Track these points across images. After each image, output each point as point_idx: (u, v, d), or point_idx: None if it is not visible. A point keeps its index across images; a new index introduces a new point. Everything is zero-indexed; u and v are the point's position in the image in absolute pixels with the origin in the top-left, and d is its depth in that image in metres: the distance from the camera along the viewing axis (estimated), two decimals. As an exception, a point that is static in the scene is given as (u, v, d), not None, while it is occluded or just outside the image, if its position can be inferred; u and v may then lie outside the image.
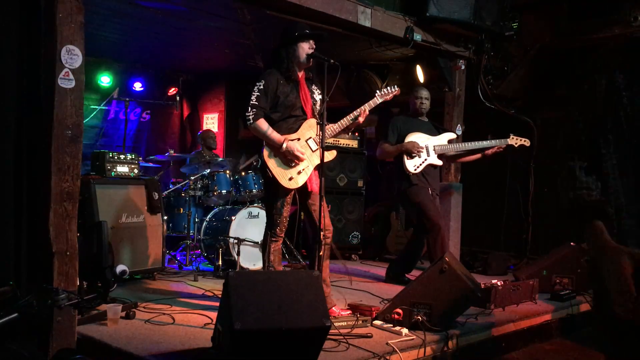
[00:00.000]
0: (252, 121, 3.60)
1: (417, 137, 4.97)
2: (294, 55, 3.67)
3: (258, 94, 3.61)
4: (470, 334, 3.60)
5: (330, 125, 3.78)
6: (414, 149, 4.89)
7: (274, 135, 3.63)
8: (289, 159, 3.67)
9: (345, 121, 3.83)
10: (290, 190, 3.69)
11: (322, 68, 3.53)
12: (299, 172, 3.69)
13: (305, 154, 3.69)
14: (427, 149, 4.97)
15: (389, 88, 4.03)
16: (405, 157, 4.94)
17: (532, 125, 6.24)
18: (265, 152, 3.67)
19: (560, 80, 6.46)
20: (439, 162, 5.04)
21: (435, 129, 5.15)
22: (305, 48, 3.67)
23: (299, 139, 3.71)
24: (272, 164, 3.65)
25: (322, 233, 3.51)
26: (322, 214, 3.53)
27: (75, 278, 3.11)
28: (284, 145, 3.62)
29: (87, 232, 3.81)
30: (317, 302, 2.75)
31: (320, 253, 3.52)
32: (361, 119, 3.82)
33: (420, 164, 4.95)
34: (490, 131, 5.33)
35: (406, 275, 5.20)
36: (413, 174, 4.93)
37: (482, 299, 3.96)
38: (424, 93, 5.16)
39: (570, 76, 6.36)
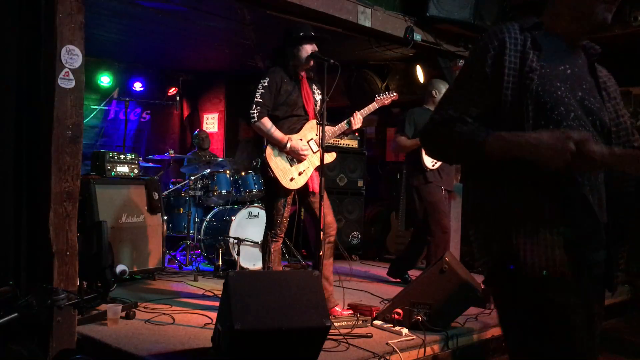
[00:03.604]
0: (256, 119, 3.60)
1: None
2: (296, 55, 3.67)
3: (262, 91, 3.61)
4: (470, 334, 3.60)
5: (329, 127, 3.79)
6: None
7: (278, 134, 3.63)
8: (292, 159, 3.67)
9: (343, 125, 3.85)
10: (291, 190, 3.69)
11: (322, 68, 3.55)
12: (300, 173, 3.69)
13: (307, 152, 3.70)
14: None
15: (387, 93, 4.06)
16: (423, 152, 4.77)
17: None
18: (268, 151, 3.67)
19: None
20: None
21: None
22: (308, 49, 3.67)
23: (300, 140, 3.72)
24: (274, 163, 3.65)
25: (321, 233, 3.51)
26: (322, 213, 3.53)
27: (75, 278, 3.11)
28: (288, 144, 3.62)
29: (87, 232, 3.81)
30: (317, 302, 2.75)
31: (321, 253, 3.52)
32: (358, 125, 3.84)
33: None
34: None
35: (408, 272, 5.18)
36: (430, 170, 4.80)
37: (482, 299, 3.96)
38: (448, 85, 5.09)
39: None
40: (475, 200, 1.65)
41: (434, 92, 5.02)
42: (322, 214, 3.53)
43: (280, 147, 3.65)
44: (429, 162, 4.81)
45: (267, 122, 3.62)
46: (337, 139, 6.54)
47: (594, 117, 1.60)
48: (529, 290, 1.51)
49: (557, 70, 1.57)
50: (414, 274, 5.07)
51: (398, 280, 5.20)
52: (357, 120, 3.83)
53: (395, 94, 4.08)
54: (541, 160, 1.42)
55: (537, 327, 1.50)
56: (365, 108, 3.93)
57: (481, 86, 1.58)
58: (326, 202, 3.70)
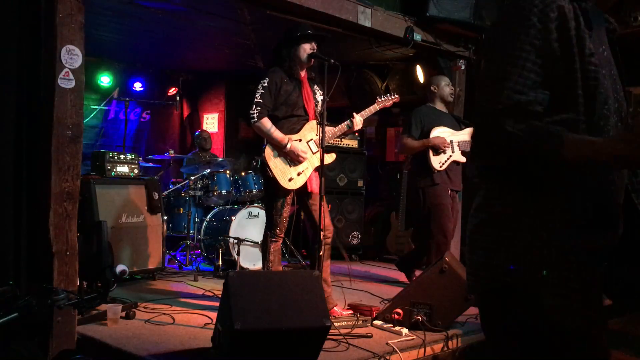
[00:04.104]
0: (256, 119, 3.60)
1: (442, 132, 4.70)
2: (295, 54, 3.68)
3: (262, 91, 3.61)
4: (470, 334, 3.60)
5: (330, 128, 3.79)
6: (443, 145, 4.61)
7: (278, 134, 3.63)
8: (291, 159, 3.68)
9: (344, 126, 3.86)
10: (290, 190, 3.69)
11: (323, 68, 3.55)
12: (299, 173, 3.70)
13: (306, 155, 3.70)
14: (452, 144, 4.70)
15: (388, 95, 4.07)
16: (430, 153, 4.67)
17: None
18: (268, 151, 3.67)
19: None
20: (463, 159, 4.77)
21: (457, 123, 4.91)
22: (307, 48, 3.68)
23: (300, 140, 3.72)
24: (274, 163, 3.65)
25: (322, 233, 3.51)
26: (322, 214, 3.53)
27: (75, 278, 3.11)
28: (288, 146, 3.63)
29: (87, 232, 3.81)
30: (317, 302, 2.75)
31: (320, 253, 3.52)
32: (359, 127, 3.86)
33: (446, 161, 4.69)
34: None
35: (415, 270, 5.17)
36: (437, 171, 4.70)
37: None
38: (448, 79, 4.99)
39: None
40: (485, 202, 1.47)
41: (432, 88, 4.96)
42: (323, 213, 3.53)
43: (280, 148, 3.66)
44: (436, 163, 4.70)
45: (267, 122, 3.63)
46: (337, 139, 6.55)
47: (622, 108, 1.41)
48: (533, 298, 1.36)
49: (599, 53, 1.36)
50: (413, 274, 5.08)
51: (402, 277, 5.19)
52: (358, 121, 3.84)
53: (396, 95, 4.07)
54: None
55: (543, 338, 1.38)
56: (367, 109, 3.95)
57: (546, 64, 1.28)
58: (323, 204, 3.69)
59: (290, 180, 3.66)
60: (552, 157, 1.27)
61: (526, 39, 1.29)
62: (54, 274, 3.01)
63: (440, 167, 4.72)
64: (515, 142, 1.29)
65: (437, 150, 4.67)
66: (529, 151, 1.29)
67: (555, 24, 1.29)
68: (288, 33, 3.73)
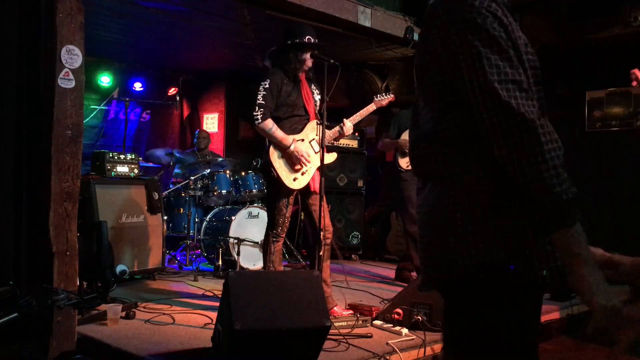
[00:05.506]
0: (260, 121, 3.60)
1: None
2: (302, 59, 3.68)
3: (264, 93, 3.61)
4: (470, 334, 3.60)
5: (326, 131, 3.80)
6: (407, 147, 4.88)
7: (281, 135, 3.64)
8: (294, 160, 3.68)
9: (335, 131, 3.93)
10: (293, 190, 3.70)
11: (322, 68, 3.55)
12: (303, 173, 3.71)
13: (309, 155, 3.71)
14: None
15: (384, 94, 4.13)
16: (398, 154, 5.04)
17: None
18: (272, 152, 3.68)
19: (561, 80, 6.46)
20: None
21: None
22: (309, 55, 3.70)
23: (302, 140, 3.73)
24: (278, 164, 3.65)
25: (322, 233, 3.51)
26: (322, 214, 3.53)
27: (75, 278, 3.11)
28: (292, 147, 3.63)
29: (87, 232, 3.81)
30: (317, 302, 2.75)
31: (320, 253, 3.52)
32: (348, 132, 3.93)
33: None
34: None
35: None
36: (405, 170, 5.00)
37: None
38: None
39: (571, 75, 6.37)
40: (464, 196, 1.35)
41: None
42: (323, 213, 3.53)
43: (283, 149, 3.66)
44: (403, 163, 5.00)
45: (270, 123, 3.63)
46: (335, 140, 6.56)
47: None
48: (524, 296, 1.32)
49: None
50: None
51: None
52: (348, 127, 3.89)
53: (392, 95, 4.13)
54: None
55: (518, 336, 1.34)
56: (358, 113, 4.02)
57: (518, 59, 1.27)
58: (323, 204, 3.70)
59: (294, 180, 3.67)
60: (554, 212, 1.19)
61: (494, 32, 1.25)
62: (54, 274, 3.01)
63: (407, 166, 5.01)
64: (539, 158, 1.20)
65: (404, 152, 4.97)
66: (537, 181, 1.20)
67: (506, 19, 1.28)
68: (292, 36, 3.68)
